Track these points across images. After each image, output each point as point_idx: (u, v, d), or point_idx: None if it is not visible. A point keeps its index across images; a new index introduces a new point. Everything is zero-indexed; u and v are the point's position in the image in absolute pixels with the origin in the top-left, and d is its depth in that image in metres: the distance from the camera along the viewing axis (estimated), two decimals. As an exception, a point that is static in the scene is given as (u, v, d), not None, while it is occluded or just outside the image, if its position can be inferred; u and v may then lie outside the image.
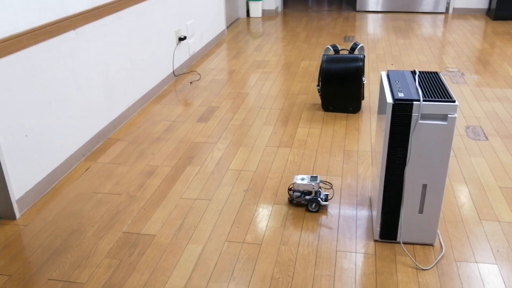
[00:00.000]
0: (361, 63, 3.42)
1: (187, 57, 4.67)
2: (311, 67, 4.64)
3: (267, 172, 2.77)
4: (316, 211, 2.39)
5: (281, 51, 5.19)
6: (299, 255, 2.10)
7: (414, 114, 1.89)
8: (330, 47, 3.63)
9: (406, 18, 6.67)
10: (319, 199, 2.37)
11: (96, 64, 3.07)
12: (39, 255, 2.14)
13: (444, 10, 6.95)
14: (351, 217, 2.36)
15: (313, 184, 2.38)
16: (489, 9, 6.73)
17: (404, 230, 2.12)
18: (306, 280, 1.96)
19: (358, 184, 2.63)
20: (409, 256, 2.08)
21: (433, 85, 2.02)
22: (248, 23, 6.63)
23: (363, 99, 3.64)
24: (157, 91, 4.01)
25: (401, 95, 1.92)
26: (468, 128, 3.27)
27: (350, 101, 3.51)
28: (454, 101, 1.87)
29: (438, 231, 2.21)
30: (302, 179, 2.41)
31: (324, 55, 3.51)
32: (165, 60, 4.18)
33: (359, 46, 3.60)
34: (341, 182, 2.65)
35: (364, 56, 3.47)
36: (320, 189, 2.46)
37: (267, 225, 2.31)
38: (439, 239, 2.18)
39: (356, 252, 2.11)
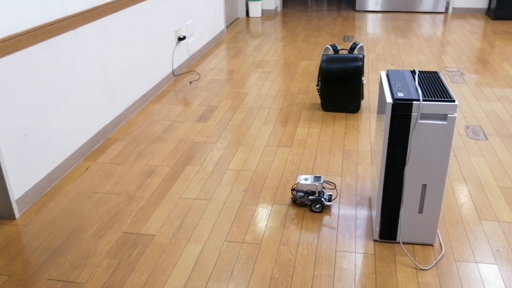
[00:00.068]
0: (360, 63, 3.42)
1: (187, 57, 4.67)
2: (311, 66, 4.63)
3: (266, 172, 2.77)
4: (320, 212, 2.39)
5: (280, 51, 5.19)
6: (298, 255, 2.10)
7: (414, 113, 1.89)
8: (329, 46, 3.63)
9: (406, 18, 6.67)
10: (322, 199, 2.37)
11: (95, 64, 3.07)
12: (39, 255, 2.14)
13: (443, 10, 6.95)
14: (350, 217, 2.36)
15: (317, 184, 2.38)
16: (488, 8, 6.73)
17: (404, 230, 2.12)
18: (306, 280, 1.96)
19: (358, 184, 2.63)
20: (408, 256, 2.08)
21: (432, 85, 2.02)
22: (247, 23, 6.62)
23: (362, 98, 3.64)
24: (156, 91, 4.01)
25: (400, 94, 1.92)
26: (467, 128, 3.27)
27: (350, 101, 3.51)
28: (453, 101, 1.87)
29: (438, 231, 2.21)
30: (306, 179, 2.41)
31: (323, 54, 3.51)
32: (165, 60, 4.17)
33: (358, 46, 3.60)
34: (341, 182, 2.65)
35: (364, 56, 3.47)
36: (323, 189, 2.46)
37: (266, 225, 2.30)
38: (439, 239, 2.18)
39: (355, 252, 2.11)
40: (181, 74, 4.49)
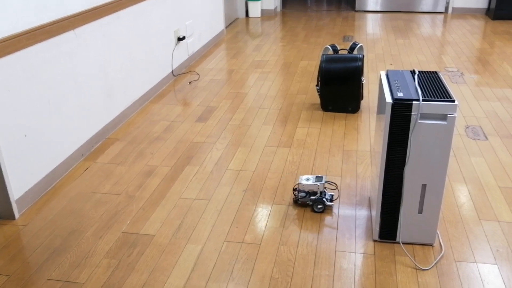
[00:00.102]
0: (360, 63, 3.42)
1: (186, 57, 4.67)
2: (310, 66, 4.63)
3: (266, 172, 2.77)
4: (322, 212, 2.38)
5: (280, 51, 5.18)
6: (298, 255, 2.10)
7: (414, 113, 1.89)
8: (329, 46, 3.63)
9: (405, 18, 6.67)
10: (324, 199, 2.37)
11: (95, 64, 3.07)
12: (38, 255, 2.13)
13: (443, 10, 6.95)
14: (350, 217, 2.35)
15: (318, 184, 2.37)
16: (488, 8, 6.73)
17: (404, 230, 2.12)
18: (305, 280, 1.96)
19: (357, 184, 2.63)
20: (408, 256, 2.08)
21: (432, 85, 2.02)
22: (247, 23, 6.62)
23: (362, 99, 3.64)
24: (156, 91, 4.01)
25: (400, 94, 1.92)
26: (467, 127, 3.27)
27: (349, 101, 3.51)
28: (453, 101, 1.87)
29: (437, 231, 2.21)
30: (307, 179, 2.41)
31: (323, 54, 3.51)
32: (164, 60, 4.17)
33: (358, 46, 3.60)
34: (340, 182, 2.65)
35: (363, 56, 3.47)
36: (325, 190, 2.45)
37: (266, 225, 2.30)
38: (439, 239, 2.18)
39: (355, 252, 2.11)
40: (181, 74, 4.49)
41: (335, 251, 2.12)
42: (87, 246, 2.19)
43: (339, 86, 3.46)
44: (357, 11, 7.24)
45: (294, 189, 2.49)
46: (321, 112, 3.56)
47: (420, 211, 2.06)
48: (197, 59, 4.96)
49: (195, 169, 2.82)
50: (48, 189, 2.65)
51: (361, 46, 3.60)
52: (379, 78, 4.23)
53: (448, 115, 1.88)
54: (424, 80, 2.07)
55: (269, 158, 2.92)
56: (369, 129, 3.28)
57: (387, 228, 2.13)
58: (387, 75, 2.18)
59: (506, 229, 2.24)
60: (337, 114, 3.53)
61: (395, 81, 2.07)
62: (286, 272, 2.00)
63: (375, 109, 3.60)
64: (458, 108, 3.56)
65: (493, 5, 6.43)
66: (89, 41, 2.99)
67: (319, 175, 2.43)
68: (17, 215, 2.40)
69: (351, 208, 2.42)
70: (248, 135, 3.23)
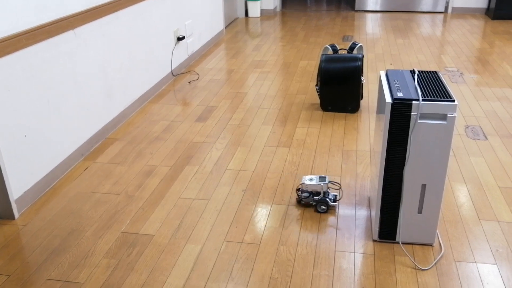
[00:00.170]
0: (360, 63, 3.42)
1: (186, 56, 4.66)
2: (310, 66, 4.63)
3: (265, 172, 2.77)
4: (325, 212, 2.38)
5: (279, 51, 5.18)
6: (297, 255, 2.10)
7: (413, 113, 1.89)
8: (328, 46, 3.63)
9: (405, 18, 6.67)
10: (327, 199, 2.37)
11: (94, 64, 3.07)
12: (38, 255, 2.13)
13: (443, 10, 6.96)
14: (350, 217, 2.35)
15: (322, 184, 2.37)
16: (488, 8, 6.73)
17: (403, 230, 2.12)
18: (305, 280, 1.96)
19: (357, 184, 2.63)
20: (408, 256, 2.08)
21: (432, 85, 2.02)
22: (246, 22, 6.62)
23: (362, 98, 3.64)
24: (155, 91, 4.01)
25: (400, 94, 1.92)
26: (467, 127, 3.27)
27: (349, 101, 3.51)
28: (453, 101, 1.87)
29: (437, 231, 2.21)
30: (311, 179, 2.40)
31: (322, 54, 3.51)
32: (164, 60, 4.17)
33: (357, 46, 3.60)
34: (340, 182, 2.65)
35: (363, 56, 3.47)
36: (328, 190, 2.45)
37: (265, 225, 2.30)
38: (438, 239, 2.18)
39: (355, 252, 2.11)
40: (180, 74, 4.49)
41: (335, 251, 2.12)
42: (86, 246, 2.19)
43: (339, 86, 3.46)
44: (356, 11, 7.24)
45: (298, 189, 2.49)
46: (320, 112, 3.56)
47: (420, 211, 2.06)
48: (197, 59, 4.96)
49: (194, 169, 2.82)
50: (48, 189, 2.65)
51: (360, 46, 3.60)
52: (378, 78, 4.23)
53: (448, 115, 1.88)
54: (424, 80, 2.07)
55: (268, 158, 2.92)
56: (369, 129, 3.28)
57: (387, 228, 2.13)
58: (386, 75, 2.18)
59: (506, 229, 2.24)
60: (336, 114, 3.53)
61: (394, 81, 2.07)
62: (285, 272, 2.00)
63: (375, 109, 3.60)
64: (457, 108, 3.56)
65: (492, 5, 6.43)
66: (88, 41, 2.99)
67: (323, 175, 2.43)
68: (16, 215, 2.40)
69: (351, 208, 2.42)
70: (247, 135, 3.23)
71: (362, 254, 2.10)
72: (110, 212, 2.42)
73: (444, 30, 5.91)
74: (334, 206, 2.42)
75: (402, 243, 2.15)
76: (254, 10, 6.94)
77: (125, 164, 2.88)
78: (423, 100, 1.87)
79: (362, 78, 3.47)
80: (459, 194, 2.52)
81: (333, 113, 3.54)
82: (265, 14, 7.11)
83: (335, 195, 2.44)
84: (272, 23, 6.54)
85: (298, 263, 2.05)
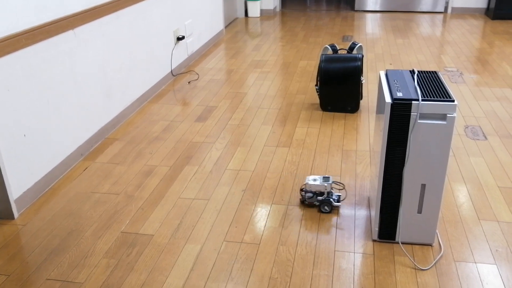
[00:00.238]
0: (359, 63, 3.42)
1: (185, 56, 4.66)
2: (310, 66, 4.63)
3: (265, 172, 2.77)
4: (329, 212, 2.38)
5: (279, 51, 5.18)
6: (297, 255, 2.10)
7: (413, 113, 1.89)
8: (328, 46, 3.63)
9: (405, 18, 6.67)
10: (331, 200, 2.36)
11: (94, 64, 3.07)
12: (37, 254, 2.13)
13: (442, 10, 6.96)
14: (349, 217, 2.35)
15: (325, 185, 2.37)
16: (488, 8, 6.73)
17: (403, 230, 2.12)
18: (305, 280, 1.96)
19: (357, 184, 2.63)
20: (407, 256, 2.08)
21: (432, 85, 2.02)
22: (246, 22, 6.62)
23: (361, 98, 3.64)
24: (155, 91, 4.01)
25: (399, 94, 1.92)
26: (467, 127, 3.27)
27: (349, 101, 3.51)
28: (453, 101, 1.87)
29: (437, 231, 2.21)
30: (314, 179, 2.40)
31: (322, 54, 3.51)
32: (164, 60, 4.17)
33: (357, 46, 3.60)
34: (340, 182, 2.65)
35: (363, 56, 3.47)
36: (332, 190, 2.45)
37: (265, 225, 2.30)
38: (438, 239, 2.18)
39: (354, 252, 2.11)
40: (180, 74, 4.49)
41: (334, 251, 2.12)
42: (86, 246, 2.18)
43: (339, 86, 3.46)
44: (356, 11, 7.24)
45: (301, 190, 2.48)
46: (320, 112, 3.56)
47: (420, 211, 2.06)
48: (197, 58, 4.96)
49: (194, 169, 2.82)
50: (47, 189, 2.65)
51: (360, 46, 3.60)
52: (378, 78, 4.23)
53: (448, 115, 1.88)
54: (424, 80, 2.07)
55: (268, 158, 2.92)
56: (369, 129, 3.28)
57: (387, 228, 2.13)
58: (386, 75, 2.18)
59: (506, 229, 2.25)
60: (336, 114, 3.53)
61: (394, 81, 2.07)
62: (285, 272, 2.00)
63: (375, 109, 3.60)
64: (457, 108, 3.56)
65: (492, 5, 6.43)
66: (88, 41, 2.98)
67: (326, 176, 2.43)
68: (16, 214, 2.40)
69: (351, 208, 2.42)
70: (247, 135, 3.23)
71: (361, 254, 2.10)
72: (110, 212, 2.42)
73: (444, 30, 5.91)
74: (338, 207, 2.42)
75: (402, 243, 2.15)
76: (254, 10, 6.94)
77: (125, 164, 2.88)
78: (422, 100, 1.87)
79: (362, 78, 3.47)
80: (459, 194, 2.52)
81: (332, 113, 3.54)
82: (265, 14, 7.11)
83: (339, 196, 2.44)
84: (272, 23, 6.54)
85: (298, 263, 2.05)
